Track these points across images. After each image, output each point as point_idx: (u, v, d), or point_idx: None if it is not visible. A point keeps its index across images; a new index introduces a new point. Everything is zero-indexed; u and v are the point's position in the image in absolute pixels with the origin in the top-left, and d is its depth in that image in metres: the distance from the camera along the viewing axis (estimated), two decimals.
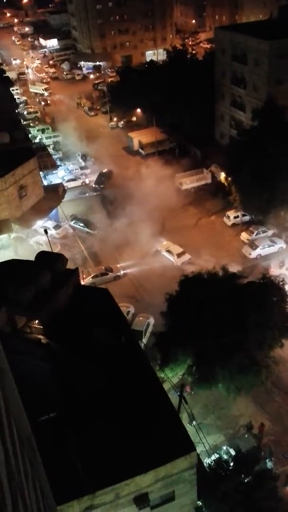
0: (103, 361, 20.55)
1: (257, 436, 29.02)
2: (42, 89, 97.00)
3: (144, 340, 34.81)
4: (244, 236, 48.21)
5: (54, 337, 21.68)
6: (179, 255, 45.40)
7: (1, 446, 4.22)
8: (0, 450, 4.08)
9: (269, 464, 27.12)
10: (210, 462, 25.11)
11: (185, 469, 18.35)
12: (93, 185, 60.50)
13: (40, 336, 22.07)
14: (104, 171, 62.49)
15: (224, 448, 28.01)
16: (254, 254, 45.65)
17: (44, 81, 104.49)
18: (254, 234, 47.81)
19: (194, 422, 28.75)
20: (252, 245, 46.42)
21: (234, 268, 33.73)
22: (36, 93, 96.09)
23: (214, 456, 26.52)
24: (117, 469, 17.08)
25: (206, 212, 53.75)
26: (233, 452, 26.32)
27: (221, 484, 21.71)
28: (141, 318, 37.86)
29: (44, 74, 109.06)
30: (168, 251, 46.13)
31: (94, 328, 21.40)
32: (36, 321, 22.62)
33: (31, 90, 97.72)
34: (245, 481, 22.62)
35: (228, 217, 50.91)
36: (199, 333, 27.02)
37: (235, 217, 50.29)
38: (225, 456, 26.56)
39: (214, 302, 27.67)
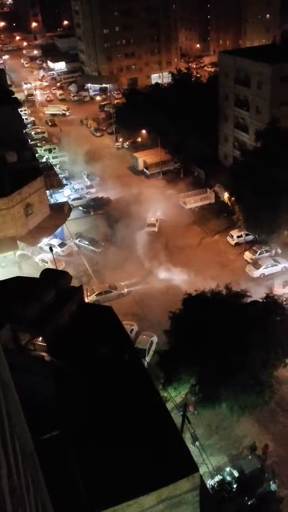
0: (106, 379, 20.40)
1: (261, 458, 28.51)
2: (63, 109, 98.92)
3: (147, 359, 34.58)
4: (247, 255, 48.22)
5: (57, 355, 21.58)
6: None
7: (4, 461, 4.20)
8: (3, 465, 4.07)
9: (273, 486, 26.58)
10: (213, 484, 24.68)
11: (188, 491, 18.00)
12: (81, 208, 59.73)
13: (44, 353, 21.96)
14: (100, 196, 62.35)
15: (228, 469, 27.53)
16: (257, 273, 45.57)
17: (48, 98, 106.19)
18: (258, 253, 47.82)
19: (197, 443, 28.32)
20: (256, 264, 46.38)
21: (237, 287, 33.67)
22: (54, 114, 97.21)
23: (217, 478, 26.06)
24: (119, 489, 16.80)
25: (210, 231, 53.91)
26: (236, 474, 25.87)
27: (224, 506, 21.31)
28: (144, 336, 37.69)
29: (51, 95, 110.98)
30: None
31: (97, 346, 21.30)
32: (40, 338, 22.55)
33: (48, 111, 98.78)
34: (249, 503, 22.19)
35: (232, 236, 51.01)
36: (202, 352, 26.83)
37: (238, 237, 50.39)
38: (228, 478, 26.09)
39: (218, 321, 27.54)
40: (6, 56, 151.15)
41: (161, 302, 40.79)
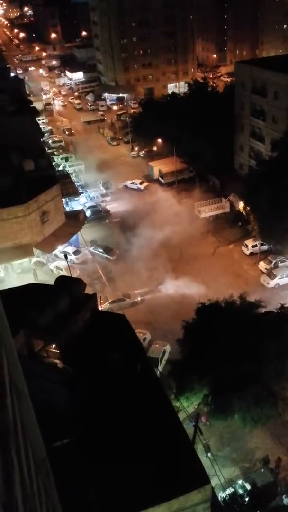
0: (118, 388, 20.33)
1: (273, 471, 28.03)
2: (101, 115, 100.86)
3: (160, 368, 34.36)
4: (262, 265, 47.83)
5: (70, 362, 21.61)
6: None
7: (17, 468, 4.21)
8: (16, 471, 4.07)
9: (286, 501, 26.09)
10: (224, 496, 24.33)
11: (199, 503, 17.77)
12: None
13: (57, 361, 22.02)
14: (99, 207, 62.27)
15: (240, 482, 27.11)
16: (272, 283, 45.14)
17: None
18: (273, 263, 47.39)
19: (209, 454, 27.99)
20: (270, 274, 45.96)
21: (251, 297, 33.33)
22: (88, 122, 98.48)
23: (229, 490, 25.68)
24: (130, 499, 16.66)
25: (224, 240, 53.67)
26: (248, 487, 25.46)
27: None
28: (157, 345, 37.52)
29: (64, 101, 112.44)
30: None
31: (110, 354, 21.27)
32: (53, 345, 22.62)
33: (85, 120, 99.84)
34: None
35: (246, 246, 50.70)
36: (215, 362, 26.60)
37: (253, 246, 50.05)
38: (240, 491, 25.69)
39: (231, 331, 27.32)
40: (31, 68, 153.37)
41: (174, 311, 40.63)
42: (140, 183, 68.36)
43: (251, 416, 26.70)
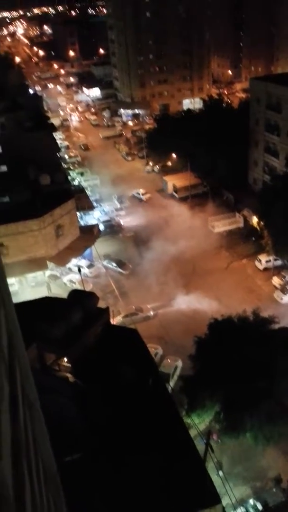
0: (129, 403, 20.28)
1: (285, 491, 27.50)
2: (119, 130, 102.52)
3: (171, 384, 34.13)
4: (276, 280, 47.50)
5: (82, 376, 21.64)
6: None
7: (28, 482, 4.26)
8: (27, 485, 4.12)
9: None
10: None
11: None
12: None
13: (68, 374, 22.07)
14: (111, 222, 62.63)
15: (251, 501, 26.64)
16: (286, 299, 44.76)
17: (80, 121, 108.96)
18: (286, 278, 47.03)
19: (220, 472, 27.60)
20: (284, 290, 45.59)
21: (265, 313, 33.10)
22: (107, 137, 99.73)
23: (240, 510, 25.23)
24: None
25: (238, 255, 53.49)
26: (260, 507, 25.00)
27: None
28: (169, 361, 37.31)
29: (81, 117, 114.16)
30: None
31: (121, 369, 21.26)
32: (65, 359, 22.70)
33: (103, 135, 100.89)
34: None
35: (260, 261, 50.45)
36: (228, 378, 26.38)
37: (267, 261, 49.79)
38: (251, 510, 25.23)
39: (244, 347, 27.11)
40: (50, 85, 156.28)
41: (186, 326, 40.46)
42: (143, 194, 70.42)
43: (264, 434, 26.33)
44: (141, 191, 71.20)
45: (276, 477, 28.33)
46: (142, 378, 21.42)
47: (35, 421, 8.49)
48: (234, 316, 30.94)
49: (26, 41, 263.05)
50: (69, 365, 22.37)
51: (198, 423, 28.02)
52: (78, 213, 54.80)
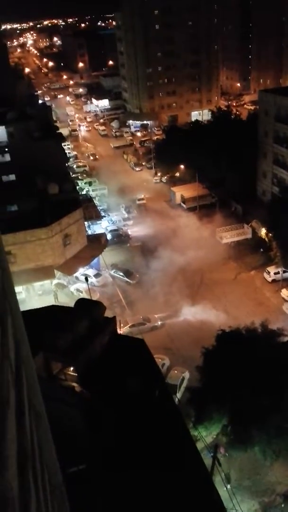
0: (135, 414, 20.06)
1: None
2: (130, 140, 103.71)
3: (178, 395, 33.79)
4: (284, 292, 47.11)
5: (88, 386, 21.48)
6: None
7: (34, 493, 4.16)
8: (33, 495, 4.02)
9: None
10: None
11: None
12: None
13: (74, 384, 21.92)
14: (119, 231, 62.84)
15: None
16: None
17: (88, 131, 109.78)
18: None
19: (227, 486, 27.15)
20: None
21: (273, 325, 32.79)
22: (117, 147, 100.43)
23: None
24: None
25: (246, 267, 53.21)
26: None
27: None
28: (176, 372, 37.05)
29: (90, 127, 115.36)
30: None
31: (127, 379, 21.09)
32: (71, 368, 22.57)
33: (115, 145, 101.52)
34: None
35: (269, 272, 50.12)
36: (236, 391, 26.07)
37: (275, 273, 49.45)
38: None
39: (252, 360, 26.84)
40: (59, 96, 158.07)
41: (194, 337, 40.19)
42: (139, 200, 72.50)
43: (272, 449, 25.92)
44: (141, 196, 72.87)
45: (285, 492, 27.81)
46: (149, 389, 21.22)
47: (41, 430, 8.35)
48: (242, 328, 30.72)
49: (35, 52, 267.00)
50: (75, 374, 22.24)
51: (205, 436, 27.68)
52: (85, 223, 54.93)
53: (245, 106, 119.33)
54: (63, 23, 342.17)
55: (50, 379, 22.25)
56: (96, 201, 68.12)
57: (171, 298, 47.29)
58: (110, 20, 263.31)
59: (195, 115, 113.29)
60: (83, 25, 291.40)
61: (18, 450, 3.41)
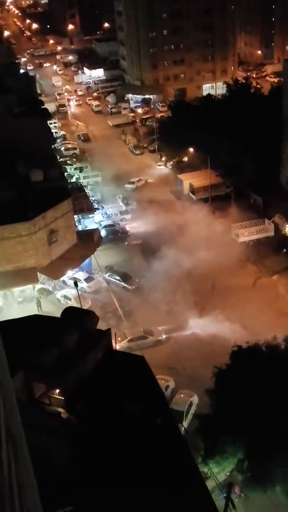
0: (134, 446, 20.09)
1: None
2: (132, 116, 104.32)
3: (185, 424, 33.91)
4: None
5: (76, 412, 21.50)
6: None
7: None
8: None
9: None
10: None
11: None
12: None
13: (60, 409, 21.96)
14: (115, 226, 63.39)
15: None
16: None
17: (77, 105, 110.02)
18: None
19: None
20: None
21: None
22: (118, 125, 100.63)
23: None
24: None
25: (267, 270, 53.21)
26: None
27: None
28: (182, 396, 37.13)
29: (81, 102, 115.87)
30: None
31: (125, 405, 21.11)
32: (57, 391, 22.61)
33: (114, 123, 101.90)
34: None
35: None
36: (254, 419, 26.13)
37: None
38: None
39: (273, 381, 26.91)
40: (46, 65, 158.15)
41: (204, 354, 40.21)
42: (133, 182, 75.18)
43: None
44: (135, 179, 74.45)
45: None
46: (150, 416, 21.26)
47: (21, 464, 8.36)
48: (261, 343, 30.82)
49: (16, 11, 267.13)
50: (62, 398, 22.27)
51: (216, 473, 27.72)
52: (75, 216, 54.98)
53: (267, 78, 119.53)
54: None
55: (32, 403, 22.27)
56: (88, 191, 68.19)
57: (176, 308, 47.29)
58: None
59: (207, 89, 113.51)
60: None
61: None
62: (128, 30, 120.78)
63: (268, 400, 26.42)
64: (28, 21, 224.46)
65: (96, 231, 57.17)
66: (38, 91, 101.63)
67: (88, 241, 53.35)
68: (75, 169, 78.10)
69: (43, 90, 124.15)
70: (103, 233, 59.89)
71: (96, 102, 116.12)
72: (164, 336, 44.50)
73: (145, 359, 26.19)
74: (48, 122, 75.48)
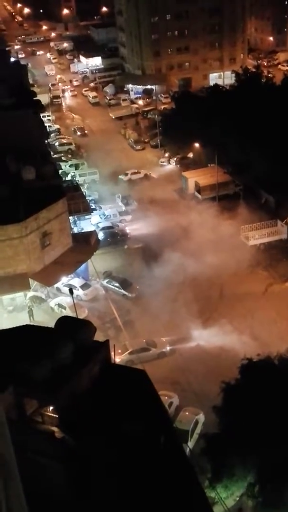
0: (135, 468, 20.09)
1: None
2: (136, 108, 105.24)
3: (190, 444, 33.92)
4: None
5: (72, 431, 21.50)
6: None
7: None
8: None
9: None
10: None
11: None
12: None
13: (54, 428, 21.96)
14: (114, 228, 63.41)
15: None
16: None
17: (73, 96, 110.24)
18: None
19: None
20: None
21: None
22: (120, 118, 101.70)
23: None
24: None
25: (280, 276, 53.28)
26: None
27: None
28: (187, 414, 37.12)
29: (76, 93, 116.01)
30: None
31: (124, 423, 21.12)
32: (51, 408, 22.63)
33: (116, 115, 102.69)
34: None
35: None
36: (265, 439, 26.14)
37: None
38: None
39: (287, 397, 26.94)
40: (39, 53, 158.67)
41: (210, 367, 40.24)
42: (132, 173, 77.79)
43: None
44: (130, 171, 76.64)
45: None
46: (152, 436, 21.26)
47: (12, 489, 8.40)
48: (274, 356, 30.91)
49: None
50: (56, 415, 22.28)
51: (225, 497, 27.71)
52: (71, 217, 55.06)
53: (279, 66, 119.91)
54: None
55: (23, 422, 22.28)
56: (84, 190, 68.28)
57: (179, 317, 47.32)
58: None
59: (213, 78, 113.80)
60: None
61: None
62: (128, 15, 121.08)
63: (281, 417, 26.41)
64: (19, 5, 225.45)
65: (93, 233, 57.20)
66: (30, 81, 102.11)
67: (84, 244, 53.38)
68: (70, 166, 78.19)
69: (36, 80, 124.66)
70: (100, 235, 59.92)
71: (93, 93, 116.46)
72: (168, 348, 44.50)
73: (146, 373, 26.21)
74: (41, 115, 75.80)
